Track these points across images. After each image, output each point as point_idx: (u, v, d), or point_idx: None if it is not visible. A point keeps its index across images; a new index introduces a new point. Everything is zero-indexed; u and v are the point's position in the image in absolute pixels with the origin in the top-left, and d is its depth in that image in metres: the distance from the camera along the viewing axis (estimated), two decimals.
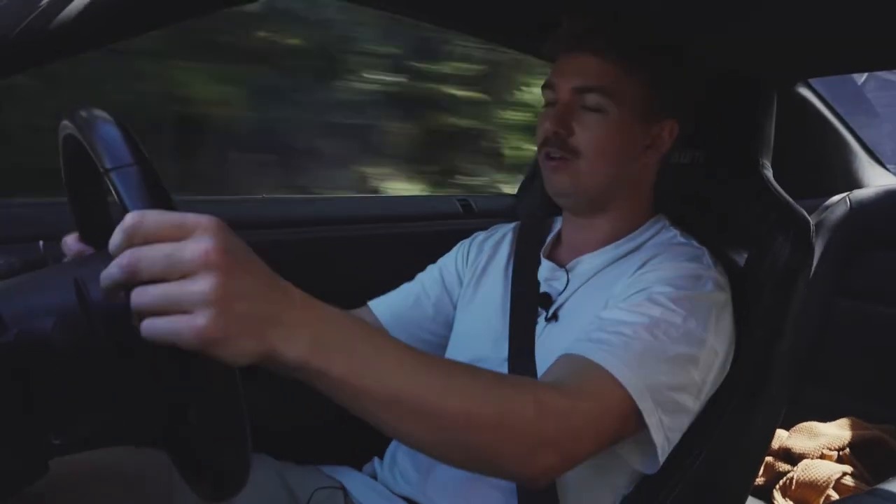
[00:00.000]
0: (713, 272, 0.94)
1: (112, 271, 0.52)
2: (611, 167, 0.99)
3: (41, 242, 0.83)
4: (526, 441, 0.71)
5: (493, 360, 1.04)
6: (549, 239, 1.14)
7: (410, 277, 1.24)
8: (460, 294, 1.18)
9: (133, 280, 0.51)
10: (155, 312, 0.51)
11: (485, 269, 1.16)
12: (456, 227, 1.73)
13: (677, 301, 0.87)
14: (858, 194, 1.86)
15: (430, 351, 1.13)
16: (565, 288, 1.04)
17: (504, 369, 1.01)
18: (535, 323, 1.03)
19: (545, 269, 1.08)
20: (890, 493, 1.07)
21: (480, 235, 1.23)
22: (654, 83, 0.99)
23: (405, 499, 1.03)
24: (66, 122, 0.65)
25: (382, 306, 1.18)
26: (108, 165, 0.56)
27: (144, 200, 0.55)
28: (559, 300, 1.04)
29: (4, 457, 0.59)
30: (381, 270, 1.24)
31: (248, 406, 0.56)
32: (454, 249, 1.23)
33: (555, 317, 1.02)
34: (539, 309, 1.04)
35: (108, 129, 0.60)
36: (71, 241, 0.79)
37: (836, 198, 1.86)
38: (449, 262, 1.22)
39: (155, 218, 0.52)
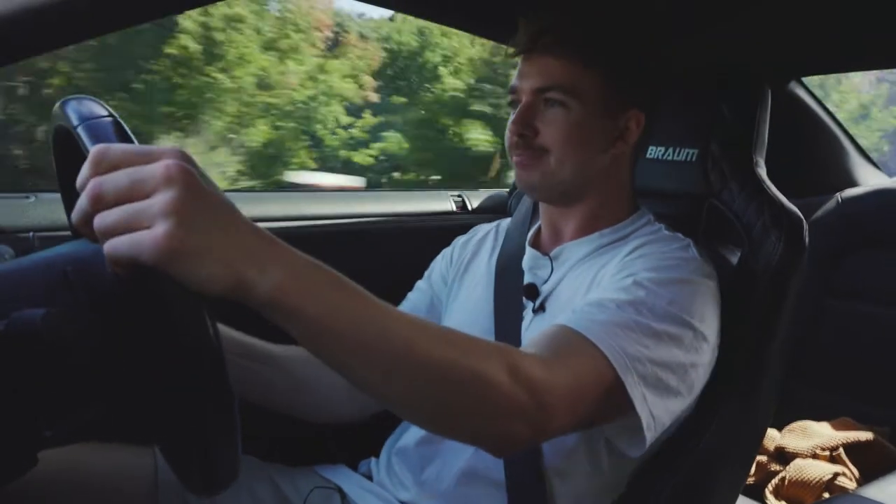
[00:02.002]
0: (699, 261, 0.95)
1: (80, 202, 0.52)
2: (579, 159, 1.00)
3: (32, 234, 0.83)
4: (496, 405, 0.68)
5: None
6: (533, 229, 1.15)
7: (404, 273, 1.24)
8: (445, 293, 1.19)
9: (99, 206, 0.51)
10: (119, 232, 0.50)
11: (468, 265, 1.18)
12: (449, 223, 1.73)
13: (662, 284, 0.88)
14: (850, 193, 1.86)
15: None
16: (549, 276, 1.05)
17: None
18: (521, 316, 1.04)
19: (529, 257, 1.09)
20: (879, 493, 1.08)
21: (462, 238, 1.25)
22: (611, 76, 1.00)
23: (401, 501, 1.02)
24: (56, 111, 0.65)
25: None
26: (76, 122, 0.56)
27: (110, 139, 0.55)
28: (545, 290, 1.04)
29: None
30: (374, 266, 1.23)
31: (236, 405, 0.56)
32: (437, 258, 1.25)
33: (542, 308, 1.03)
34: (525, 300, 1.05)
35: (99, 121, 0.60)
36: None
37: (827, 196, 1.87)
38: (435, 269, 1.23)
39: (120, 148, 0.53)
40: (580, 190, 1.04)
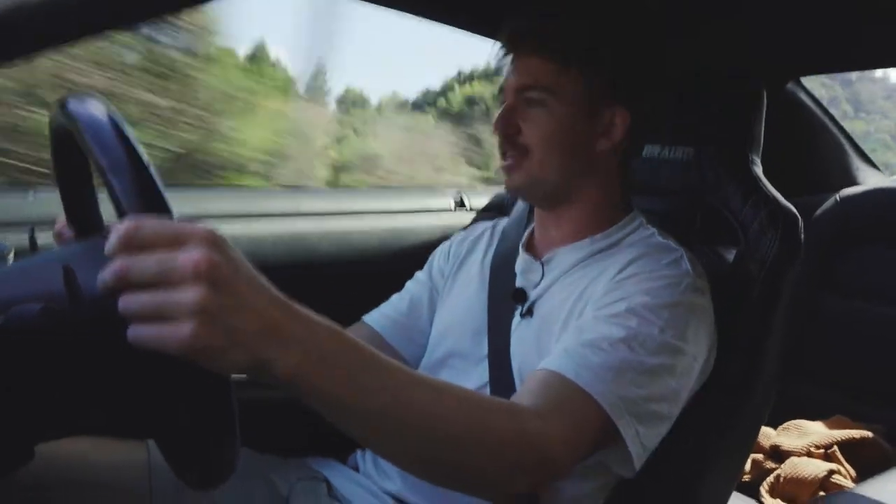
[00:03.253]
0: (691, 276, 0.94)
1: (105, 276, 0.52)
2: (561, 158, 1.01)
3: (32, 228, 0.83)
4: (504, 463, 0.73)
5: (471, 355, 1.05)
6: (527, 232, 1.15)
7: (402, 270, 1.24)
8: (441, 289, 1.19)
9: (124, 285, 0.51)
10: (142, 319, 0.51)
11: (462, 263, 1.18)
12: (448, 221, 1.74)
13: (655, 310, 0.88)
14: (848, 192, 1.87)
15: (423, 354, 1.14)
16: (540, 281, 1.05)
17: (483, 365, 1.02)
18: (511, 318, 1.04)
19: (522, 261, 1.09)
20: (874, 490, 1.08)
21: (460, 234, 1.25)
22: (590, 74, 1.00)
23: (386, 492, 1.03)
24: (58, 112, 0.65)
25: (378, 317, 1.19)
26: (104, 164, 0.56)
27: (142, 206, 0.55)
28: (533, 295, 1.04)
29: None
30: (374, 263, 1.24)
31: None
32: (436, 251, 1.25)
33: (529, 312, 1.03)
34: (514, 304, 1.05)
35: (101, 125, 0.60)
36: (60, 228, 0.79)
37: (826, 196, 1.87)
38: (434, 262, 1.23)
39: (151, 226, 0.52)
40: (566, 191, 1.04)
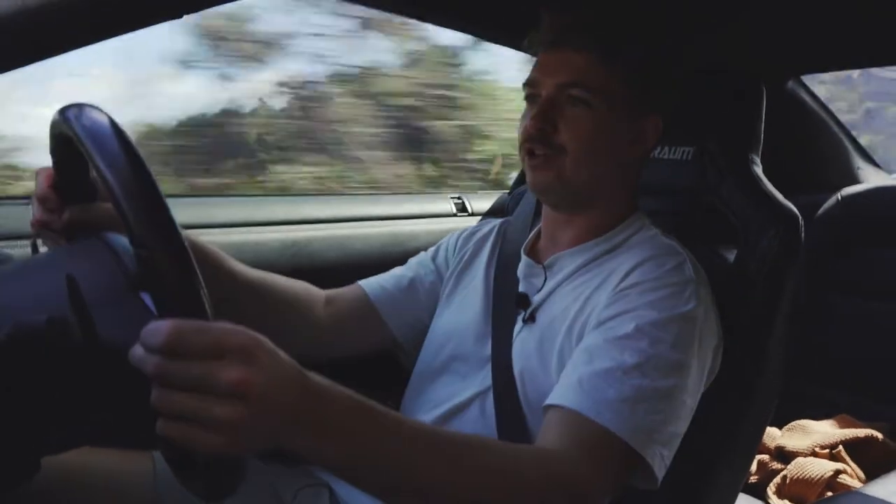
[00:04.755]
0: (695, 283, 0.93)
1: (143, 365, 0.53)
2: (596, 163, 0.98)
3: (33, 240, 0.83)
4: None
5: (473, 359, 1.04)
6: (531, 235, 1.13)
7: None
8: (443, 284, 1.18)
9: (161, 383, 0.53)
10: (177, 417, 0.53)
11: (469, 263, 1.17)
12: (450, 226, 1.74)
13: (663, 327, 0.88)
14: (850, 191, 1.87)
15: (413, 338, 1.15)
16: (542, 286, 1.04)
17: (486, 369, 1.02)
18: (514, 324, 1.03)
19: (524, 265, 1.08)
20: (882, 490, 1.08)
21: (469, 229, 1.23)
22: (636, 78, 0.98)
23: None
24: (56, 118, 0.65)
25: (376, 286, 1.17)
26: (78, 131, 0.57)
27: (114, 148, 0.56)
28: (536, 300, 1.03)
29: None
30: (376, 269, 1.24)
31: None
32: (445, 239, 1.24)
33: (532, 318, 1.02)
34: (517, 309, 1.04)
35: (91, 114, 0.60)
36: (44, 192, 0.78)
37: (828, 194, 1.87)
38: (440, 252, 1.22)
39: (193, 334, 0.53)
40: (589, 195, 1.02)
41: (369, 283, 1.18)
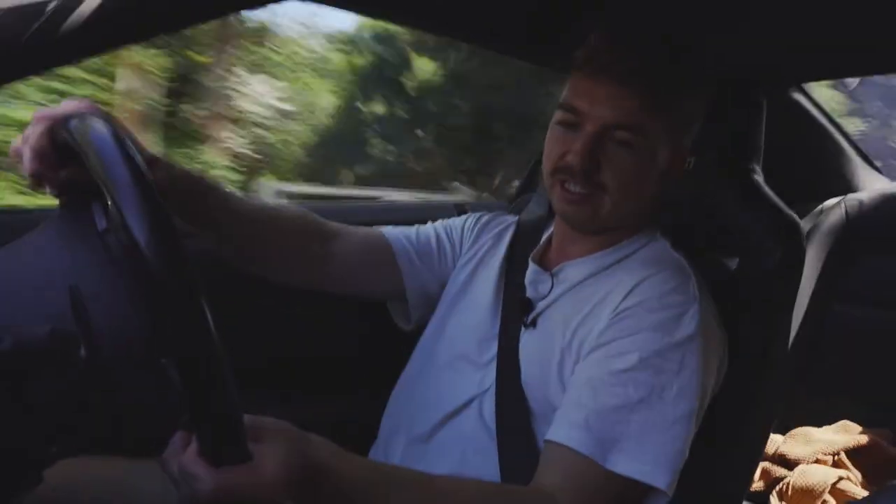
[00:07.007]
0: (698, 303, 0.92)
1: (186, 480, 0.59)
2: (633, 201, 0.98)
3: None
4: None
5: (477, 360, 1.05)
6: (541, 242, 1.13)
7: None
8: (454, 271, 1.18)
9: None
10: None
11: (483, 259, 1.16)
12: None
13: (667, 354, 0.88)
14: (854, 198, 1.86)
15: (417, 298, 1.17)
16: (548, 293, 1.04)
17: (490, 371, 1.02)
18: (519, 327, 1.03)
19: (531, 271, 1.08)
20: (886, 499, 1.07)
21: (485, 217, 1.23)
22: (680, 121, 0.98)
23: None
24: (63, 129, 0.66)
25: (399, 236, 1.18)
26: (81, 141, 0.59)
27: (116, 159, 0.57)
28: (540, 307, 1.03)
29: (0, 465, 0.59)
30: None
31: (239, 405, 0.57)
32: (461, 219, 1.23)
33: (533, 324, 1.02)
34: (521, 314, 1.04)
35: (94, 124, 0.60)
36: (17, 147, 0.76)
37: (831, 202, 1.86)
38: (455, 230, 1.21)
39: (235, 493, 0.59)
40: (619, 224, 1.02)
41: (393, 234, 1.18)
